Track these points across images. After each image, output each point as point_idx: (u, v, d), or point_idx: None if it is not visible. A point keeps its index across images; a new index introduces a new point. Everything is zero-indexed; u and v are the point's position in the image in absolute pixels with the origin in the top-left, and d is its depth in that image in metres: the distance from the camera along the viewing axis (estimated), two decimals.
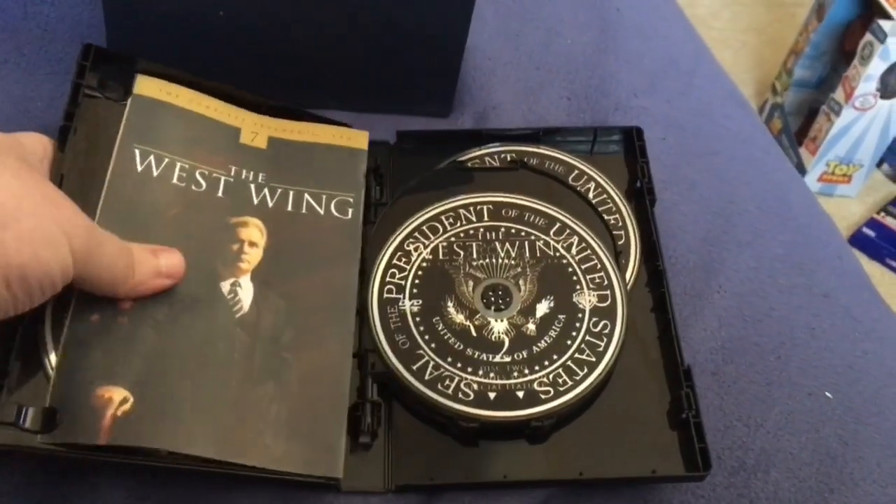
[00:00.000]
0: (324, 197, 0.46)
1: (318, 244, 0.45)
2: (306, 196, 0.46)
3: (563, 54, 0.60)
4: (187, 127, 0.45)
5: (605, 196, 0.49)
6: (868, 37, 1.26)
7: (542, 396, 0.42)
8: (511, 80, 0.58)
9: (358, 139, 0.49)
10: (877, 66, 1.25)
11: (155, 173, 0.43)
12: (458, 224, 0.48)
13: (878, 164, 1.46)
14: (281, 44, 0.52)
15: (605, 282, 0.45)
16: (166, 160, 0.44)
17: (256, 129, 0.47)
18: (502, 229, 0.47)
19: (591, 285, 0.45)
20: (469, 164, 0.50)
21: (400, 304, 0.44)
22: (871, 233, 1.38)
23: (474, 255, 0.46)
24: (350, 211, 0.46)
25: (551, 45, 0.60)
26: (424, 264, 0.46)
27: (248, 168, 0.46)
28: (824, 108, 1.36)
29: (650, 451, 0.41)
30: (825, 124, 1.36)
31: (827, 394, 0.46)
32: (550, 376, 0.42)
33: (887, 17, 1.24)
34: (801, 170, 1.41)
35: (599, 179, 0.50)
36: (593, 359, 0.43)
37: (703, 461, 0.40)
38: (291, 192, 0.46)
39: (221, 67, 0.48)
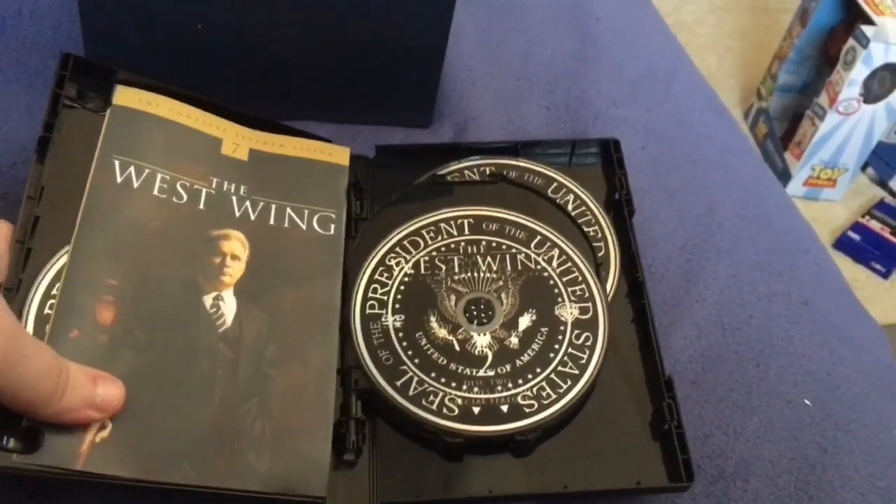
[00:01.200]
0: (306, 212, 0.46)
1: (301, 259, 0.44)
2: (288, 210, 0.46)
3: (543, 64, 0.60)
4: (168, 137, 0.45)
5: (584, 208, 0.50)
6: (851, 42, 1.27)
7: (527, 410, 0.41)
8: (491, 91, 0.58)
9: (339, 155, 0.49)
10: (860, 71, 1.26)
11: (135, 185, 0.43)
12: (440, 238, 0.47)
13: (863, 168, 1.47)
14: (260, 55, 0.52)
15: (587, 294, 0.46)
16: (147, 171, 0.43)
17: (238, 140, 0.47)
18: (483, 243, 0.47)
19: (572, 298, 0.45)
20: (448, 178, 0.50)
21: (382, 319, 0.44)
22: (856, 236, 1.39)
23: (456, 270, 0.46)
24: (332, 227, 0.46)
25: (531, 56, 0.60)
26: (406, 279, 0.46)
27: (230, 180, 0.45)
28: (809, 113, 1.37)
29: (634, 463, 0.41)
30: (810, 129, 1.37)
31: (806, 401, 0.46)
32: (534, 390, 0.42)
33: (870, 22, 1.25)
34: (787, 174, 1.42)
35: (578, 192, 0.50)
36: (576, 371, 0.43)
37: (687, 472, 0.40)
38: (273, 206, 0.45)
39: (200, 79, 0.48)
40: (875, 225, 1.40)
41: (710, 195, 0.54)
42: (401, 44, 0.51)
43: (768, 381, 0.47)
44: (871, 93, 1.29)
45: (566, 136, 0.56)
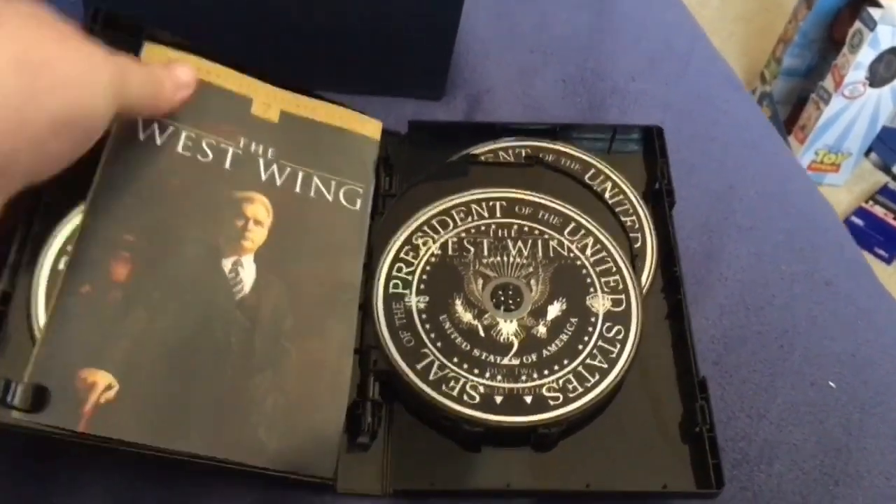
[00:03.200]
0: (333, 183, 0.44)
1: (325, 231, 0.43)
2: (315, 179, 0.44)
3: (559, 36, 0.58)
4: (195, 95, 0.43)
5: (621, 196, 0.48)
6: (857, 25, 1.25)
7: (551, 402, 0.40)
8: (505, 63, 0.56)
9: (370, 127, 0.47)
10: (866, 55, 1.24)
11: (158, 142, 0.41)
12: (470, 219, 0.46)
13: (867, 153, 1.46)
14: (269, 24, 0.50)
15: (620, 285, 0.44)
16: (171, 128, 0.41)
17: (269, 100, 0.45)
18: (515, 227, 0.46)
19: (605, 288, 0.44)
20: (483, 159, 0.48)
21: (406, 300, 0.43)
22: (859, 221, 1.38)
23: (485, 253, 0.45)
24: (358, 201, 0.44)
25: (546, 27, 0.59)
26: (433, 260, 0.44)
27: (258, 141, 0.43)
28: (813, 97, 1.36)
29: (661, 465, 0.40)
30: (814, 113, 1.36)
31: (830, 383, 0.45)
32: (560, 382, 0.41)
33: (877, 4, 1.23)
34: None
35: (616, 179, 0.48)
36: (605, 365, 0.41)
37: (717, 478, 0.39)
38: (301, 173, 0.44)
39: (208, 46, 0.46)
40: (878, 210, 1.39)
41: (730, 172, 0.53)
42: (413, 14, 0.50)
43: (792, 362, 0.45)
44: (877, 76, 1.28)
45: (582, 109, 0.55)
